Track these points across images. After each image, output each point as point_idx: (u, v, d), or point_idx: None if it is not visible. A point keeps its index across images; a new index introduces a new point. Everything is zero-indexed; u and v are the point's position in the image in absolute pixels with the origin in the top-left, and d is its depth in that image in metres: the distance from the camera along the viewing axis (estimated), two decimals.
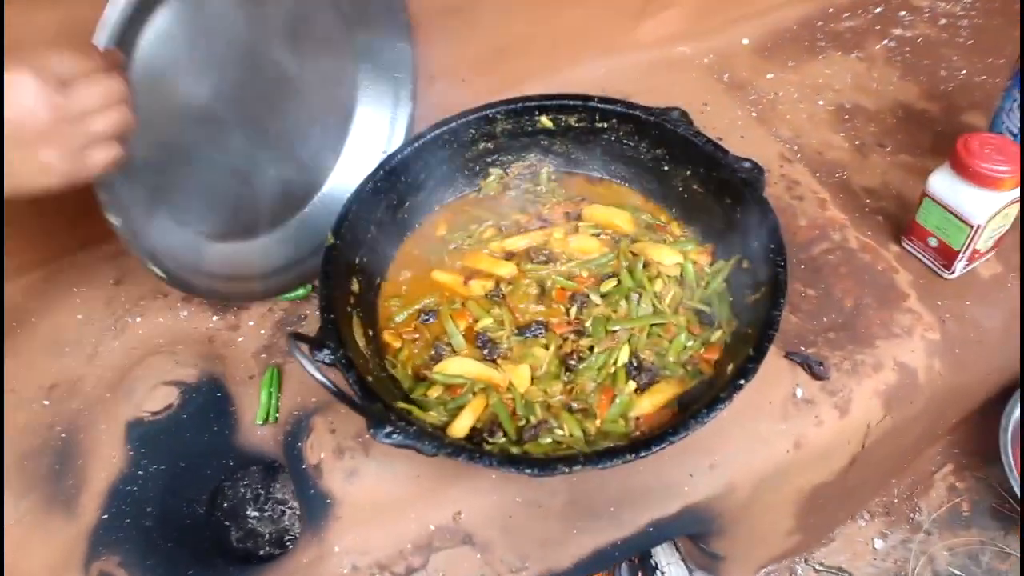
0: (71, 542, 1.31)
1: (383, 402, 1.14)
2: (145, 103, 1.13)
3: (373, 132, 1.61)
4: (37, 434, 1.44)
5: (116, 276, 1.66)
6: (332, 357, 1.17)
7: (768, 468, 1.34)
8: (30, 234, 1.59)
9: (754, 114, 1.89)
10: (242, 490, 1.43)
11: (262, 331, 1.56)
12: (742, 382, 1.12)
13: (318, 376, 1.05)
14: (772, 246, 1.22)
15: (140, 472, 1.37)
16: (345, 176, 1.55)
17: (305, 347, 1.14)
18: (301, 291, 1.54)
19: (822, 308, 1.52)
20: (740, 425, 1.31)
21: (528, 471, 1.06)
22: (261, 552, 1.36)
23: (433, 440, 1.09)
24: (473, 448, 1.10)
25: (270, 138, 1.45)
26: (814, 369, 1.42)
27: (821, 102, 1.91)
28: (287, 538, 1.40)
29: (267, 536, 1.42)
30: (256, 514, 1.42)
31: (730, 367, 1.15)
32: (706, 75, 2.02)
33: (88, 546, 1.30)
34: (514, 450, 1.18)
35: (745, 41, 2.11)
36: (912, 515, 1.97)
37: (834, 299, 1.52)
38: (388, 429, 1.09)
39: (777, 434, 1.38)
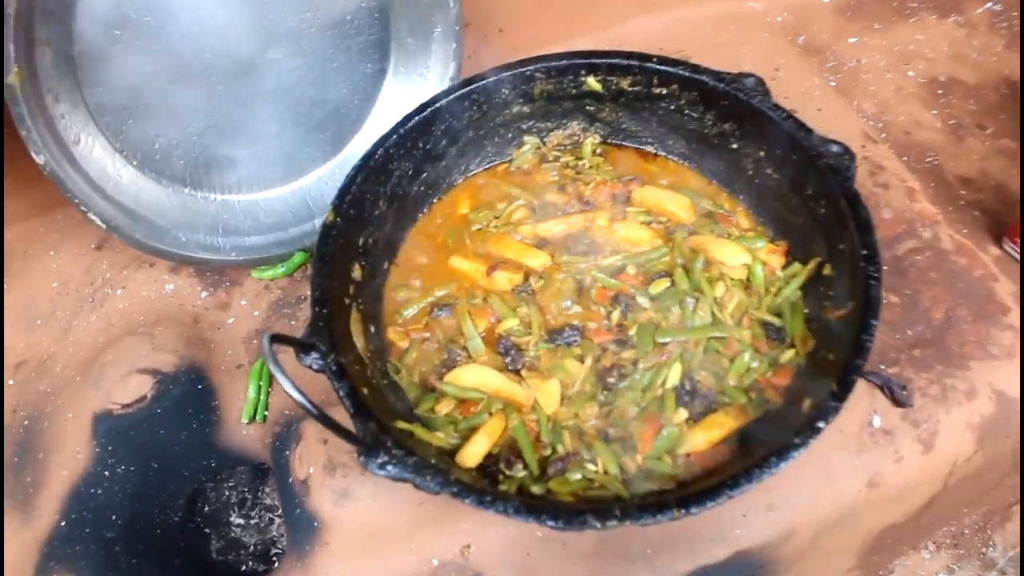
0: (22, 550, 1.18)
1: (378, 422, 0.97)
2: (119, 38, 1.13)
3: (406, 93, 1.46)
4: None
5: (98, 240, 1.52)
6: (321, 363, 1.00)
7: (835, 511, 1.21)
8: (8, 187, 1.45)
9: (833, 84, 1.72)
10: (227, 493, 1.29)
11: (255, 312, 1.41)
12: (821, 425, 0.93)
13: (294, 394, 0.87)
14: (864, 252, 1.06)
15: (106, 472, 1.24)
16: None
17: (287, 350, 0.95)
18: (281, 268, 1.42)
19: (907, 319, 1.33)
20: (805, 458, 1.09)
21: (550, 523, 0.88)
22: (243, 568, 1.22)
23: (436, 475, 0.92)
24: (483, 491, 0.93)
25: (274, 90, 1.37)
26: (895, 393, 1.24)
27: (911, 73, 1.75)
28: (273, 552, 1.26)
29: (251, 548, 1.28)
30: (241, 521, 1.28)
31: (806, 403, 1.00)
32: (779, 36, 1.81)
33: (40, 558, 1.18)
34: (535, 489, 1.01)
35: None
36: (984, 550, 1.76)
37: (921, 309, 1.34)
38: (382, 459, 0.93)
39: (849, 470, 1.20)
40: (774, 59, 1.75)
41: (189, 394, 1.29)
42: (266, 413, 1.28)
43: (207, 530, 1.27)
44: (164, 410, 1.27)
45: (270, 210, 1.44)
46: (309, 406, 0.88)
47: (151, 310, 1.41)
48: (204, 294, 1.43)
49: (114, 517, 1.20)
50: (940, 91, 1.71)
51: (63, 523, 1.19)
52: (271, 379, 1.30)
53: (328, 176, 1.46)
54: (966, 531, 1.74)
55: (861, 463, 1.19)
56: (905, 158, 1.58)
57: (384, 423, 0.98)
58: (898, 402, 1.24)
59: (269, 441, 1.26)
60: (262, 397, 1.28)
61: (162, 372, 1.29)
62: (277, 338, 0.96)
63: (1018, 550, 1.73)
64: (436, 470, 0.93)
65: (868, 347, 0.98)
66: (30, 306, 1.44)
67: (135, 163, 1.34)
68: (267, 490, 1.29)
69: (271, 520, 1.29)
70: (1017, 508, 1.76)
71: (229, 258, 1.40)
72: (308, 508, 1.15)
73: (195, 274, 1.45)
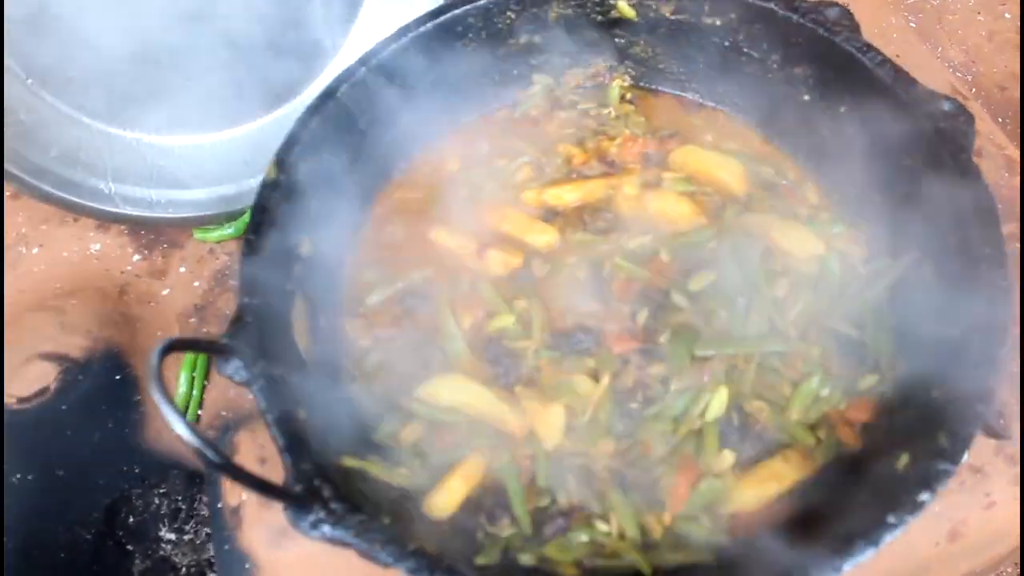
0: None
1: (315, 461, 0.76)
2: None
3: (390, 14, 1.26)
4: None
5: (15, 189, 1.30)
6: (245, 374, 0.80)
7: (904, 569, 1.04)
8: None
9: (913, 25, 1.56)
10: (156, 502, 1.20)
11: (196, 282, 1.24)
12: (925, 498, 0.74)
13: (187, 436, 0.63)
14: (987, 249, 0.86)
15: None
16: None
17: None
18: (229, 229, 1.26)
19: None
20: None
21: None
22: None
23: (388, 544, 0.73)
24: (451, 568, 0.73)
25: (224, 5, 1.19)
26: (989, 421, 1.02)
27: (1007, 15, 1.58)
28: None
29: (183, 570, 1.17)
30: (172, 536, 1.20)
31: (901, 459, 0.79)
32: None
33: None
34: (525, 557, 0.83)
35: None
36: None
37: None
38: (316, 515, 0.73)
39: (926, 518, 1.01)
40: None
41: (104, 386, 1.14)
42: (200, 412, 1.12)
43: (129, 547, 1.18)
44: (71, 406, 1.11)
45: (216, 158, 1.27)
46: (213, 455, 0.65)
47: (71, 275, 1.24)
48: (136, 257, 1.25)
49: (3, 539, 1.05)
50: None
51: None
52: (207, 370, 1.13)
53: (287, 119, 1.24)
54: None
55: (942, 509, 1.03)
56: (1000, 120, 1.45)
57: (325, 461, 0.79)
58: (993, 433, 0.99)
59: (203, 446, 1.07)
60: (195, 393, 1.13)
61: (70, 358, 1.11)
62: (179, 344, 0.74)
63: None
64: (388, 535, 0.74)
65: (994, 387, 0.78)
66: None
67: (46, 93, 1.15)
68: (205, 500, 1.16)
69: (208, 536, 1.17)
70: None
71: (164, 215, 1.22)
72: (240, 545, 0.98)
73: (127, 233, 1.27)
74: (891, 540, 0.74)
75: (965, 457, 0.77)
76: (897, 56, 1.44)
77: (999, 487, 1.04)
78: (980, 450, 1.06)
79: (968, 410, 0.78)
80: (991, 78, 1.50)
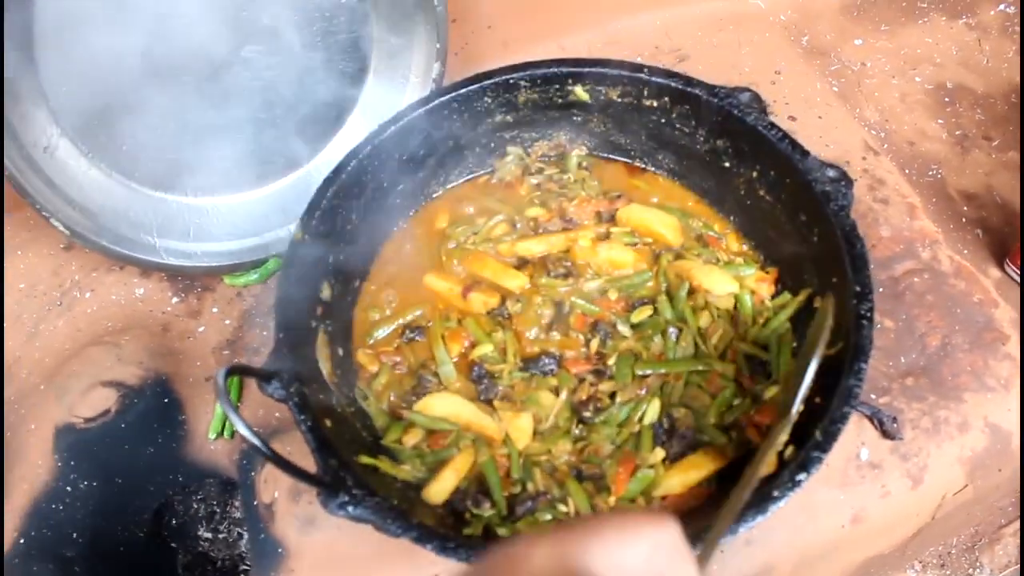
0: None
1: (340, 458, 0.93)
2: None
3: (388, 94, 1.39)
4: None
5: (67, 240, 1.44)
6: (283, 393, 0.96)
7: (817, 546, 1.17)
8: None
9: (836, 89, 1.65)
10: (194, 506, 1.27)
11: (226, 321, 1.37)
12: (802, 478, 0.89)
13: (248, 436, 0.83)
14: (857, 288, 1.00)
15: (68, 488, 1.19)
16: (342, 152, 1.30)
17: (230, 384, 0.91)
18: (254, 275, 1.37)
19: (900, 346, 1.28)
20: None
21: None
22: None
23: (397, 518, 0.89)
24: (445, 536, 0.88)
25: (249, 89, 1.31)
26: (885, 425, 1.20)
27: (918, 79, 1.69)
28: (242, 568, 1.25)
29: (219, 563, 1.26)
30: (209, 535, 1.27)
31: (788, 449, 0.94)
32: (782, 36, 1.73)
33: None
34: (502, 531, 0.98)
35: None
36: (972, 571, 1.73)
37: (916, 335, 1.28)
38: (343, 499, 0.89)
39: (833, 505, 1.16)
40: (775, 61, 1.68)
41: (155, 408, 1.24)
42: (235, 429, 1.21)
43: (173, 545, 1.24)
44: (128, 424, 1.22)
45: (244, 214, 1.38)
46: (265, 449, 0.84)
47: (119, 316, 1.36)
48: (175, 300, 1.38)
49: (75, 535, 1.17)
50: (947, 99, 1.65)
51: (22, 540, 1.15)
52: (240, 393, 1.26)
53: (304, 180, 1.39)
54: (953, 551, 1.71)
55: (846, 498, 1.16)
56: (907, 171, 1.53)
57: (346, 458, 0.95)
58: (888, 435, 1.19)
59: (236, 458, 1.23)
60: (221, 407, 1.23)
61: (127, 385, 1.24)
62: (236, 370, 0.92)
63: (1007, 571, 1.70)
64: (397, 512, 0.90)
65: (857, 393, 0.93)
66: None
67: (102, 166, 1.29)
68: (236, 504, 1.25)
69: (240, 535, 1.26)
70: (1008, 529, 1.72)
71: (200, 264, 1.35)
72: (273, 534, 1.12)
73: (166, 278, 1.40)
74: (775, 509, 0.87)
75: (833, 447, 0.90)
76: (820, 117, 1.55)
77: (892, 480, 1.16)
78: (878, 449, 1.18)
79: (837, 412, 0.91)
80: (901, 135, 1.58)
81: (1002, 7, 1.80)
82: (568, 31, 1.63)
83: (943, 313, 1.30)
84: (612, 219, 1.26)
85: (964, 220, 1.46)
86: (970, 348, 1.27)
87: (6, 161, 1.16)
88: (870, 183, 1.47)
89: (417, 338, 1.16)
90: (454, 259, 1.23)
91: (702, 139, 1.24)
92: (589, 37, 1.62)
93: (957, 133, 1.59)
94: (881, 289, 1.34)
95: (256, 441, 0.83)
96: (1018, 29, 1.75)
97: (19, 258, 1.44)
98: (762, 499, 0.88)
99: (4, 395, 1.29)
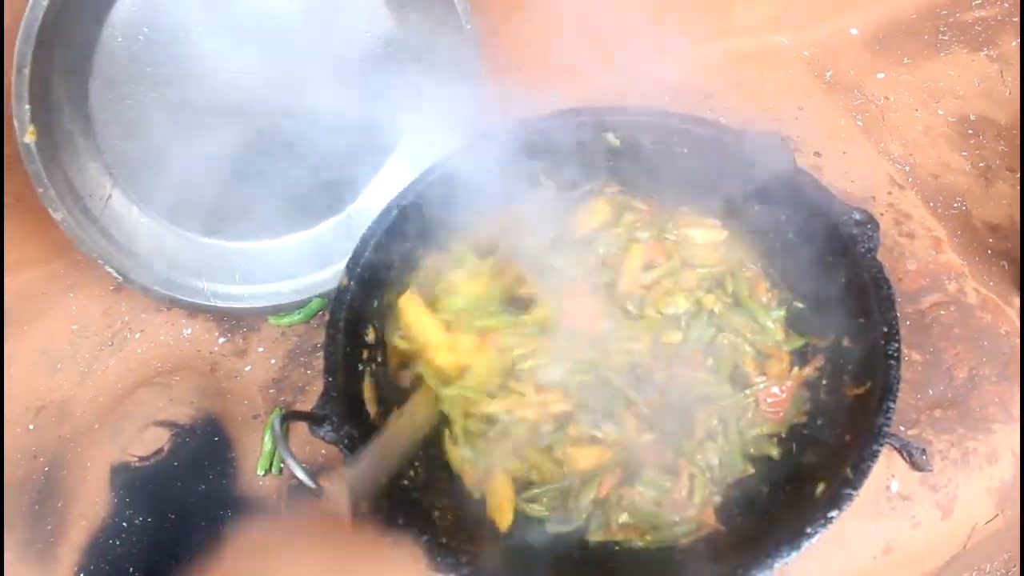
0: None
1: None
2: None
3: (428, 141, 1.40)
4: (19, 464, 1.30)
5: (116, 282, 1.49)
6: (333, 436, 1.00)
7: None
8: (25, 228, 1.44)
9: (860, 123, 1.69)
10: None
11: (272, 360, 1.40)
12: (834, 514, 0.92)
13: (306, 480, 0.87)
14: (885, 329, 1.02)
15: (124, 524, 1.23)
16: (381, 195, 1.39)
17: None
18: (297, 315, 1.42)
19: (929, 378, 1.30)
20: None
21: None
22: None
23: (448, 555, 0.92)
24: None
25: (293, 137, 1.36)
26: (914, 457, 1.22)
27: (941, 112, 1.72)
28: None
29: None
30: None
31: (819, 487, 0.97)
32: (805, 71, 1.78)
33: None
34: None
35: (854, 31, 1.86)
36: None
37: (943, 367, 1.31)
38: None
39: (864, 536, 1.19)
40: (799, 96, 1.72)
41: (205, 446, 1.28)
42: (282, 465, 1.27)
43: None
44: (181, 462, 1.26)
45: (286, 257, 1.43)
46: (317, 489, 0.88)
47: (168, 356, 1.40)
48: (221, 340, 1.42)
49: (131, 569, 1.19)
50: (970, 131, 1.67)
51: (81, 574, 1.19)
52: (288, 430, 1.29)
53: (345, 223, 1.45)
54: None
55: (877, 529, 1.18)
56: (932, 204, 1.55)
57: (392, 490, 0.99)
58: (917, 466, 1.21)
59: (285, 493, 1.26)
60: (278, 450, 1.25)
61: (179, 424, 1.28)
62: (290, 415, 0.96)
63: None
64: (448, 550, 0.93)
65: (886, 432, 0.95)
66: (49, 348, 1.43)
67: (152, 214, 1.35)
68: None
69: None
70: None
71: (246, 306, 1.40)
72: None
73: (212, 319, 1.44)
74: (808, 546, 0.90)
75: (864, 484, 0.92)
76: (844, 152, 1.59)
77: (923, 510, 1.19)
78: (907, 481, 1.21)
79: (867, 450, 0.93)
80: (926, 168, 1.60)
81: None
82: (594, 73, 1.66)
83: (970, 345, 1.32)
84: None
85: (989, 252, 1.48)
86: (997, 380, 1.29)
87: (64, 215, 1.22)
88: (896, 217, 1.49)
89: None
90: None
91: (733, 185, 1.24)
92: (617, 79, 1.65)
93: (981, 165, 1.60)
94: (908, 322, 1.36)
95: (312, 484, 0.87)
96: None
97: (70, 300, 1.49)
98: (795, 535, 0.90)
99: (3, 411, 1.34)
